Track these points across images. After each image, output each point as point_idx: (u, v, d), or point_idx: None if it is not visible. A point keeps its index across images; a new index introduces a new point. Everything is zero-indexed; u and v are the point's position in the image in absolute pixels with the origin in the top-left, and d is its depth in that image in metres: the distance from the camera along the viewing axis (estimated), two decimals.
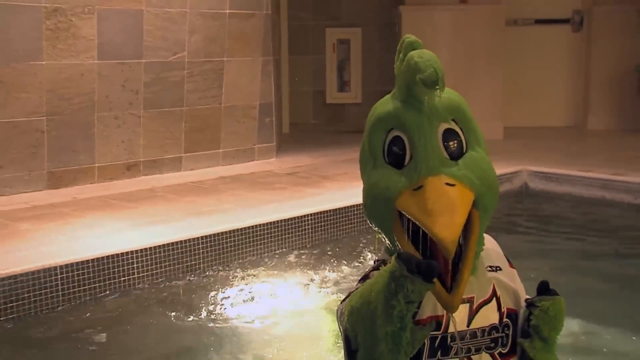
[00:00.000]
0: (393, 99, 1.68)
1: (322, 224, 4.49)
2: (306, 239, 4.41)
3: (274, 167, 6.19)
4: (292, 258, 4.20)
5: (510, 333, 1.73)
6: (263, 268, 4.06)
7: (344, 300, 1.79)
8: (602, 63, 8.15)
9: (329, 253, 4.30)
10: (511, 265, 1.82)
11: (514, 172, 5.78)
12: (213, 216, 4.40)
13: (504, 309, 1.72)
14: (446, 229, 1.48)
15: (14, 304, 3.37)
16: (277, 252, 4.28)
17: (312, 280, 3.87)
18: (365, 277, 1.76)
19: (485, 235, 1.80)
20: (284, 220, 4.36)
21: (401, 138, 1.64)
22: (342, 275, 3.92)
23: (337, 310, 1.77)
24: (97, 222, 4.32)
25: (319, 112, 8.51)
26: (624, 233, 4.89)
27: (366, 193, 1.70)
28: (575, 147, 7.12)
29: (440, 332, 1.69)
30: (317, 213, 4.50)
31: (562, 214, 5.35)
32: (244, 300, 3.63)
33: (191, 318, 3.42)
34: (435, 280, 1.55)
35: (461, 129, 1.67)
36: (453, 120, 1.66)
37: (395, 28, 7.96)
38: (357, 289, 1.74)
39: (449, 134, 1.64)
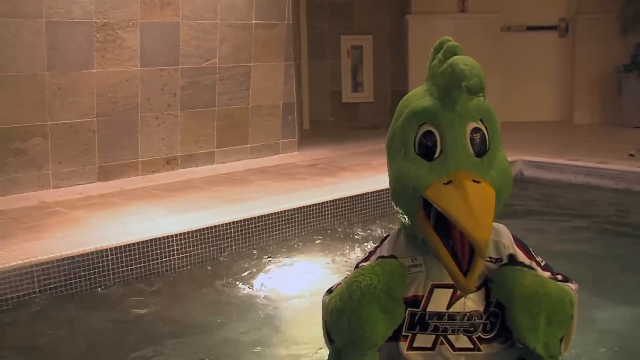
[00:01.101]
0: (427, 94, 1.65)
1: (340, 209, 4.48)
2: (326, 224, 4.40)
3: (296, 159, 6.18)
4: (313, 241, 4.20)
5: (499, 321, 1.70)
6: (287, 250, 4.06)
7: (328, 291, 1.79)
8: (585, 65, 8.12)
9: (346, 236, 4.30)
10: (528, 256, 1.76)
11: (510, 162, 5.71)
12: (243, 204, 4.41)
13: (493, 299, 1.69)
14: (480, 229, 1.46)
15: (72, 281, 3.40)
16: (300, 235, 4.27)
17: (332, 260, 3.87)
18: (356, 267, 1.75)
19: (500, 228, 1.77)
20: (306, 206, 4.35)
21: (433, 133, 1.62)
22: (357, 255, 3.90)
23: (322, 300, 1.77)
24: (142, 210, 4.34)
25: (335, 110, 8.48)
26: (608, 213, 4.88)
27: (395, 180, 1.67)
28: (563, 139, 7.08)
29: (419, 310, 1.67)
30: (335, 200, 4.49)
31: (553, 197, 5.34)
32: (270, 278, 3.63)
33: (224, 293, 3.45)
34: (452, 266, 1.54)
35: (486, 128, 1.65)
36: (480, 120, 1.64)
37: (403, 35, 7.94)
38: (340, 284, 1.73)
39: (476, 132, 1.63)
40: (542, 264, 1.79)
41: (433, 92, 1.64)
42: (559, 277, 1.78)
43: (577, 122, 8.10)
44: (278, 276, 3.68)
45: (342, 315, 1.64)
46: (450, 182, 1.54)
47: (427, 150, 1.61)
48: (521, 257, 1.75)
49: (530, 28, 8.32)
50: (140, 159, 5.50)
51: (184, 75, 5.67)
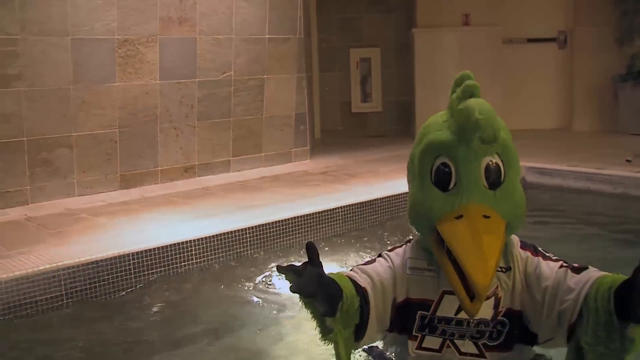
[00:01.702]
0: (445, 127, 1.63)
1: (351, 215, 4.47)
2: (337, 228, 4.40)
3: (308, 167, 6.18)
4: (325, 245, 4.17)
5: (506, 330, 1.67)
6: (301, 254, 4.05)
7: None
8: (583, 75, 8.09)
9: (357, 240, 4.29)
10: (534, 254, 1.75)
11: None
12: (257, 210, 4.41)
13: (502, 308, 1.65)
14: (481, 273, 1.44)
15: (97, 284, 3.42)
16: (313, 240, 4.23)
17: (344, 264, 3.85)
18: (379, 255, 1.83)
19: (513, 237, 1.75)
20: (318, 212, 4.35)
21: (448, 165, 1.60)
22: (367, 259, 3.89)
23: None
24: (161, 216, 4.35)
25: (345, 120, 8.47)
26: (606, 217, 4.85)
27: (411, 207, 1.66)
28: (564, 146, 7.04)
29: (429, 313, 1.65)
30: (346, 206, 4.49)
31: (555, 202, 5.31)
32: (285, 282, 3.62)
33: (240, 295, 3.44)
34: (460, 291, 1.51)
35: (502, 161, 1.62)
36: (497, 154, 1.62)
37: (409, 47, 7.93)
38: (368, 262, 1.79)
39: (490, 166, 1.60)
40: (553, 258, 1.77)
41: (451, 125, 1.62)
42: (576, 265, 1.73)
43: (576, 130, 8.07)
44: None
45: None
46: (461, 216, 1.53)
47: (442, 181, 1.60)
48: (530, 260, 1.74)
49: (530, 40, 8.29)
50: (159, 168, 5.52)
51: (201, 87, 5.68)
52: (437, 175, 1.62)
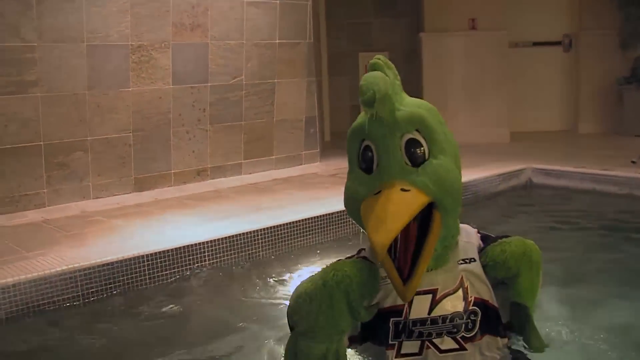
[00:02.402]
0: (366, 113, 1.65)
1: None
2: (348, 230, 4.37)
3: (318, 170, 6.19)
4: (336, 246, 4.17)
5: (479, 319, 1.66)
6: (311, 255, 4.05)
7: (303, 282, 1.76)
8: (588, 78, 8.09)
9: (367, 242, 4.27)
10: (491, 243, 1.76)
11: (520, 169, 5.72)
12: (269, 212, 4.41)
13: (470, 298, 1.64)
14: (378, 233, 1.43)
15: (112, 285, 3.43)
16: (324, 241, 4.27)
17: None
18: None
19: (464, 227, 1.73)
20: (329, 214, 4.34)
21: (370, 147, 1.59)
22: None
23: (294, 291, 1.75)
24: (174, 219, 4.36)
25: None
26: (612, 217, 4.84)
27: (344, 194, 1.67)
28: (569, 147, 7.02)
29: (402, 319, 1.63)
30: None
31: (561, 203, 5.29)
32: (295, 283, 3.62)
33: (251, 297, 3.44)
34: (392, 274, 1.49)
35: (424, 138, 1.60)
36: (417, 130, 1.60)
37: (417, 51, 7.92)
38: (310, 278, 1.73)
39: (412, 143, 1.58)
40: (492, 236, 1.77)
41: None
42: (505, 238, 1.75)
43: (581, 132, 8.06)
44: (303, 279, 3.66)
45: (310, 301, 1.60)
46: (379, 192, 1.52)
47: (368, 164, 1.60)
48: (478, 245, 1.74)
49: (536, 44, 8.28)
50: (172, 171, 5.53)
51: (213, 92, 5.69)
52: (362, 159, 1.62)
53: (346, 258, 1.77)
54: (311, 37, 6.38)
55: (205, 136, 5.70)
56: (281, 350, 2.78)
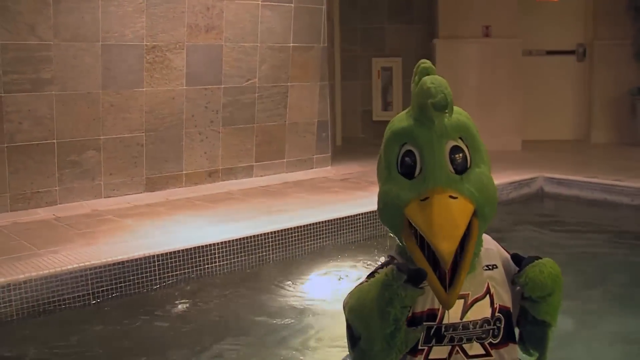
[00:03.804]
0: (408, 116, 1.62)
1: (371, 221, 4.44)
2: (358, 235, 4.38)
3: (329, 174, 6.18)
4: (346, 251, 4.18)
5: (503, 326, 1.66)
6: (321, 259, 4.04)
7: (351, 291, 1.75)
8: (601, 87, 8.06)
9: (376, 247, 4.28)
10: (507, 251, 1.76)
11: (532, 178, 5.70)
12: (279, 215, 4.41)
13: (496, 305, 1.64)
14: (445, 241, 1.42)
15: (122, 284, 3.43)
16: (333, 245, 4.26)
17: (364, 269, 3.84)
18: (372, 274, 1.68)
19: (484, 235, 1.73)
20: (339, 218, 4.34)
21: (413, 152, 1.58)
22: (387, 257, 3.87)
23: (343, 301, 1.73)
24: (185, 219, 4.36)
25: (366, 128, 8.47)
26: (623, 228, 4.82)
27: (380, 199, 1.63)
28: (581, 157, 6.99)
29: (435, 323, 1.62)
30: (367, 212, 4.45)
31: (572, 212, 5.28)
32: (305, 286, 3.63)
33: (260, 297, 3.44)
34: (434, 281, 1.49)
35: (467, 146, 1.60)
36: (460, 138, 1.60)
37: (431, 58, 7.91)
38: (361, 284, 1.68)
39: (455, 151, 1.58)
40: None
41: (413, 114, 1.61)
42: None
43: (594, 142, 8.02)
44: (313, 284, 3.67)
45: (362, 310, 1.59)
46: (427, 198, 1.51)
47: (408, 170, 1.58)
48: (504, 254, 1.74)
49: (549, 52, 8.25)
50: (184, 172, 5.54)
51: (226, 94, 5.70)
52: (402, 164, 1.60)
53: (380, 266, 1.75)
54: (325, 41, 6.39)
55: (218, 138, 5.71)
56: (289, 352, 2.79)
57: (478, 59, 7.65)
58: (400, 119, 1.66)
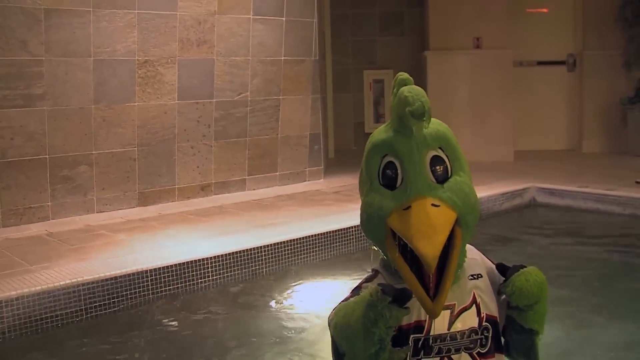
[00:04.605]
0: (388, 128, 1.62)
1: (364, 234, 4.45)
2: (351, 247, 4.39)
3: (322, 186, 6.19)
4: (339, 263, 4.18)
5: (490, 335, 1.67)
6: (314, 272, 4.04)
7: (336, 307, 1.75)
8: (592, 97, 8.12)
9: (370, 259, 4.27)
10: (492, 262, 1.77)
11: (523, 188, 5.72)
12: (272, 228, 4.41)
13: (483, 314, 1.65)
14: (428, 246, 1.43)
15: (115, 299, 3.43)
16: (327, 258, 4.27)
17: (357, 280, 3.83)
18: (357, 288, 1.68)
19: (467, 245, 1.74)
20: (332, 231, 4.34)
21: (394, 163, 1.59)
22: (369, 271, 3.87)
23: (328, 316, 1.74)
24: (178, 234, 4.36)
25: (359, 140, 8.50)
26: (615, 237, 4.83)
27: (362, 211, 1.62)
28: (573, 167, 7.02)
29: (423, 335, 1.62)
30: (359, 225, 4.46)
31: (564, 222, 5.29)
32: (298, 300, 3.62)
33: (254, 311, 3.44)
34: (419, 291, 1.50)
35: (447, 156, 1.62)
36: (440, 148, 1.61)
37: (422, 69, 7.95)
38: (346, 299, 1.67)
39: (435, 160, 1.59)
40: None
41: (392, 126, 1.62)
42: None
43: (585, 151, 8.07)
44: (306, 298, 3.67)
45: (347, 328, 1.60)
46: (409, 207, 1.52)
47: (390, 181, 1.58)
48: (488, 264, 1.75)
49: (540, 63, 8.32)
50: (177, 186, 5.54)
51: (218, 107, 5.72)
52: (384, 175, 1.60)
53: (364, 280, 1.75)
54: (316, 54, 6.41)
55: (210, 152, 5.72)
56: None
57: (469, 70, 7.69)
58: (380, 132, 1.67)
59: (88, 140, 5.00)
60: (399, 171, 1.58)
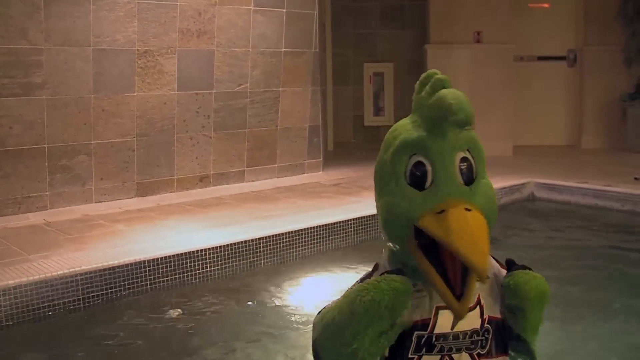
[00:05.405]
0: (416, 126, 1.60)
1: (362, 227, 4.46)
2: (349, 240, 4.40)
3: (321, 179, 6.19)
4: (337, 256, 4.18)
5: (490, 337, 1.67)
6: (313, 265, 4.04)
7: (322, 310, 1.72)
8: (592, 93, 8.12)
9: (369, 252, 4.27)
10: (502, 267, 1.76)
11: (522, 184, 5.73)
12: (271, 220, 4.41)
13: (485, 316, 1.65)
14: (477, 255, 1.42)
15: (113, 289, 3.43)
16: (325, 251, 4.27)
17: (355, 275, 3.83)
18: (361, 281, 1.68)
19: None
20: (331, 223, 4.34)
21: (423, 163, 1.57)
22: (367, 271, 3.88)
23: (314, 319, 1.73)
24: (176, 225, 4.36)
25: (358, 133, 8.50)
26: (614, 233, 4.83)
27: (387, 210, 1.60)
28: (572, 162, 7.02)
29: (426, 332, 1.62)
30: (358, 218, 4.47)
31: (563, 218, 5.29)
32: (296, 292, 3.62)
33: (251, 304, 3.44)
34: (446, 292, 1.50)
35: (473, 158, 1.61)
36: (467, 149, 1.61)
37: (422, 63, 7.94)
38: (336, 303, 1.67)
39: (463, 162, 1.59)
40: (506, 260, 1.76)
41: (421, 125, 1.60)
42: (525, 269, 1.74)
43: (584, 147, 8.07)
44: (303, 290, 3.67)
45: (338, 330, 1.60)
46: (442, 211, 1.50)
47: (418, 180, 1.56)
48: (494, 264, 1.74)
49: (540, 58, 8.31)
50: (175, 177, 5.53)
51: (218, 99, 5.71)
52: (412, 175, 1.58)
53: (366, 275, 1.75)
54: (317, 47, 6.40)
55: (209, 143, 5.71)
56: (278, 358, 2.79)
57: (469, 64, 7.68)
58: (408, 129, 1.63)
59: (87, 130, 4.99)
60: (429, 172, 1.56)
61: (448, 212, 1.49)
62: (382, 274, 1.59)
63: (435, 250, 1.51)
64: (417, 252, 1.54)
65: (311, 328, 1.61)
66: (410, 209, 1.54)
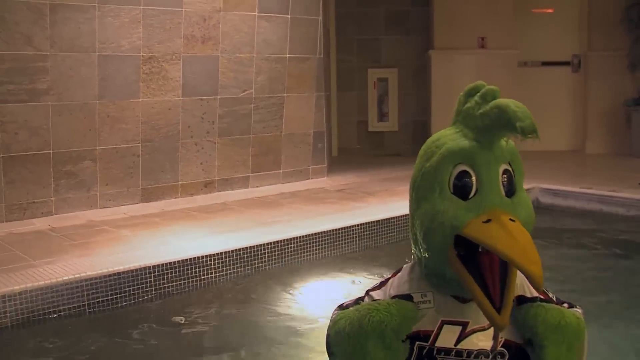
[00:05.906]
0: (460, 136, 1.58)
1: (367, 233, 4.46)
2: (354, 246, 4.39)
3: (325, 184, 6.18)
4: (342, 262, 4.17)
5: None
6: (317, 270, 4.04)
7: (339, 306, 1.71)
8: (597, 98, 8.10)
9: (372, 258, 4.27)
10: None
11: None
12: (275, 226, 4.41)
13: (501, 339, 1.63)
14: (534, 264, 1.42)
15: (118, 295, 3.43)
16: (330, 256, 4.26)
17: (360, 281, 3.84)
18: (366, 293, 1.71)
19: None
20: (335, 229, 4.34)
21: (468, 173, 1.56)
22: (383, 276, 3.87)
23: (332, 313, 1.70)
24: (181, 230, 4.36)
25: (362, 139, 8.49)
26: (619, 239, 4.81)
27: (430, 219, 1.56)
28: (577, 168, 7.01)
29: (427, 344, 1.61)
30: (363, 224, 4.47)
31: (568, 223, 5.28)
32: (300, 298, 3.62)
33: (256, 309, 3.44)
34: (486, 304, 1.49)
35: (513, 170, 1.61)
36: (509, 162, 1.60)
37: (426, 69, 7.95)
38: (353, 302, 1.68)
39: (505, 174, 1.59)
40: (549, 295, 1.73)
41: (467, 134, 1.59)
42: (565, 305, 1.72)
43: (589, 152, 8.05)
44: (308, 296, 3.67)
45: (346, 340, 1.61)
46: (489, 220, 1.49)
47: (462, 190, 1.56)
48: (527, 291, 1.71)
49: (545, 63, 8.30)
50: (180, 182, 5.54)
51: (222, 104, 5.71)
52: (456, 184, 1.58)
53: (378, 285, 1.75)
54: (321, 52, 6.41)
55: (214, 148, 5.71)
56: None
57: (473, 70, 7.69)
58: (452, 139, 1.61)
59: (92, 135, 5.00)
60: (474, 182, 1.55)
61: (495, 222, 1.48)
62: (394, 296, 1.61)
63: (473, 262, 1.50)
64: (457, 263, 1.52)
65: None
66: (456, 217, 1.53)
